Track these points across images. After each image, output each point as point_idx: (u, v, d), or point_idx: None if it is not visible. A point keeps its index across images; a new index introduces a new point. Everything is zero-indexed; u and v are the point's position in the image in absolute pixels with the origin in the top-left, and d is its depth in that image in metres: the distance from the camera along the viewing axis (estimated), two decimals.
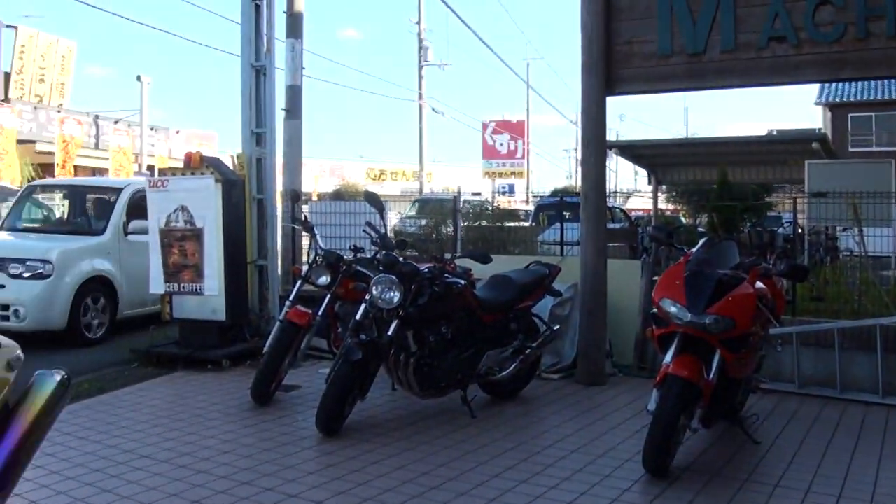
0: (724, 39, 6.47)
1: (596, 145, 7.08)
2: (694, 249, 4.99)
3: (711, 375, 4.43)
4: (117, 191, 9.78)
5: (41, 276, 8.40)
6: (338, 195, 23.83)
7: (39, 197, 11.45)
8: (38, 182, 11.19)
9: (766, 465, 4.70)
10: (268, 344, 6.14)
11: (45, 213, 11.33)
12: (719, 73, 6.60)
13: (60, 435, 5.00)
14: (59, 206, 11.59)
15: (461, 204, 10.22)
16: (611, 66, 6.90)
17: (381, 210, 6.14)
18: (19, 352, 2.44)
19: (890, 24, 5.96)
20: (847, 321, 6.66)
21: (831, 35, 6.14)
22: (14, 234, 9.78)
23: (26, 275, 8.41)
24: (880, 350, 6.16)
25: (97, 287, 8.87)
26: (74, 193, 10.80)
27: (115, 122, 26.99)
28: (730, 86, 6.89)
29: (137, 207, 9.01)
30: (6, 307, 8.31)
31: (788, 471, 4.57)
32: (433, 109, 34.78)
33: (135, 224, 9.13)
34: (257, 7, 8.04)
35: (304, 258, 8.70)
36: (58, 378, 2.42)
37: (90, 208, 10.32)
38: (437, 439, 5.12)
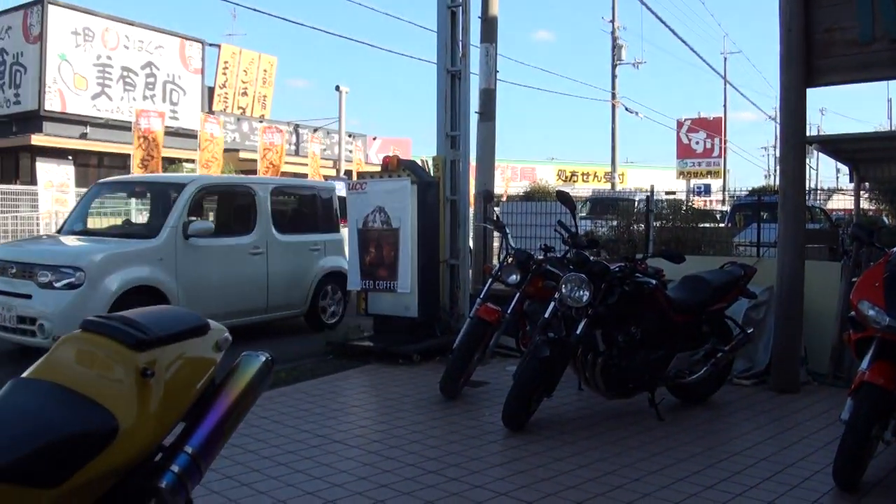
0: None
1: (795, 141, 6.80)
2: (895, 249, 4.71)
3: None
4: (180, 187, 8.48)
5: (72, 286, 7.23)
6: (528, 196, 23.99)
7: (106, 197, 11.09)
8: (105, 180, 10.48)
9: None
10: (458, 340, 6.33)
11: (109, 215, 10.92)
12: None
13: (257, 418, 5.38)
14: (126, 207, 11.44)
15: (652, 204, 10.04)
16: (810, 57, 6.60)
17: (573, 209, 6.18)
18: (227, 334, 2.69)
19: None
20: None
21: None
22: (64, 237, 8.74)
23: (57, 284, 7.24)
24: None
25: (144, 299, 7.29)
26: (139, 192, 10.74)
27: (314, 131, 28.47)
28: None
29: (201, 207, 8.86)
30: (32, 320, 7.21)
31: None
32: (626, 109, 34.29)
33: (196, 226, 8.22)
34: (453, 13, 8.30)
35: (496, 258, 8.87)
36: (262, 359, 2.66)
37: (151, 208, 9.59)
38: (623, 440, 5.12)
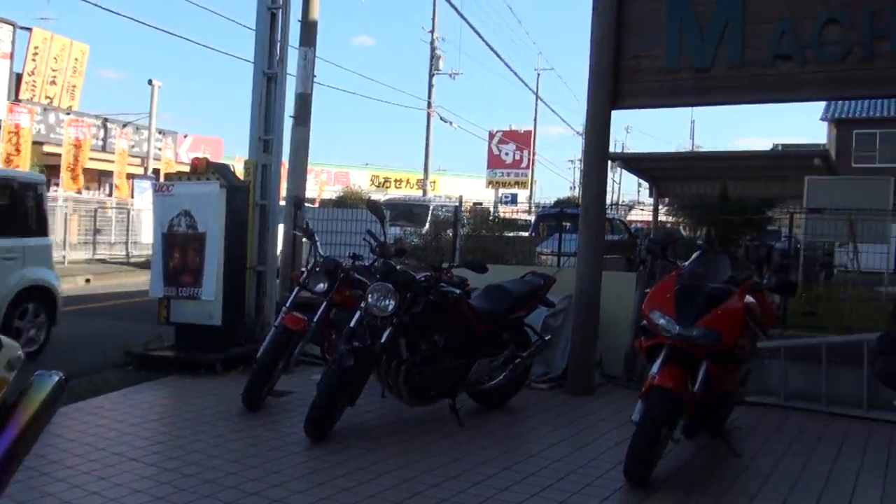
0: (731, 56, 6.54)
1: (598, 158, 7.14)
2: (687, 263, 5.04)
3: (696, 388, 4.47)
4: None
5: None
6: (341, 201, 23.92)
7: None
8: None
9: (746, 478, 4.75)
10: (261, 349, 6.18)
11: None
12: (725, 89, 6.68)
13: (52, 437, 5.03)
14: None
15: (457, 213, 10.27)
16: (619, 80, 6.96)
17: (382, 219, 6.20)
18: (20, 352, 2.49)
19: (894, 43, 6.00)
20: (835, 337, 6.71)
21: (837, 54, 6.20)
22: None
23: None
24: (867, 366, 6.19)
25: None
26: None
27: (124, 126, 27.13)
28: (735, 102, 6.96)
29: None
30: None
31: (767, 483, 4.61)
32: (441, 118, 34.86)
33: None
34: (273, 15, 8.13)
35: (305, 265, 8.74)
36: (55, 379, 2.47)
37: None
38: (424, 447, 5.15)
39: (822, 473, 4.82)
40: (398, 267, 5.74)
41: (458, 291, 5.74)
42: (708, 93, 6.80)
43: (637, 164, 14.59)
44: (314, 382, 5.74)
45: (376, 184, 39.98)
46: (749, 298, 4.87)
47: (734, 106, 6.80)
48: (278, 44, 8.16)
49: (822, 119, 32.19)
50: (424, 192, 32.92)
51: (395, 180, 42.25)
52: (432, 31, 35.15)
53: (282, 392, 6.34)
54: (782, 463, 5.01)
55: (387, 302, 5.30)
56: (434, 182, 37.34)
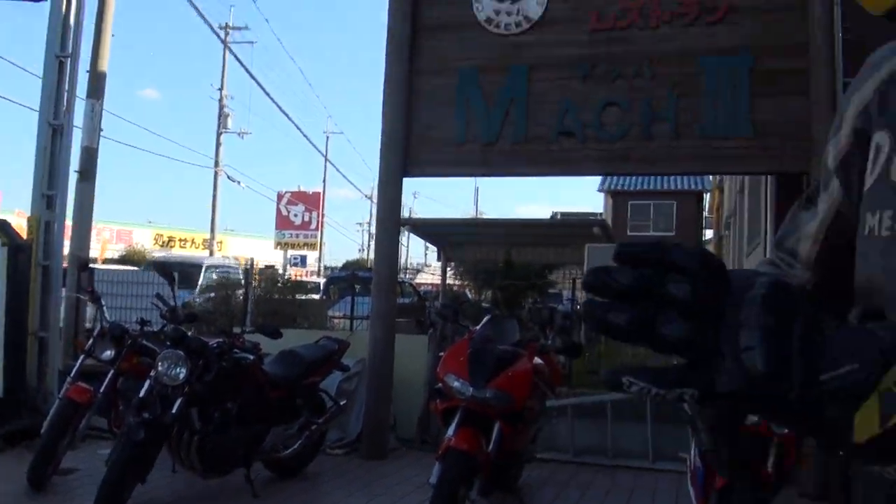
0: (516, 132, 6.91)
1: (390, 223, 7.29)
2: (478, 326, 5.22)
3: (490, 448, 4.60)
4: None
5: None
6: (123, 260, 22.85)
7: None
8: None
9: None
10: (46, 423, 5.73)
11: None
12: (510, 162, 7.03)
13: None
14: None
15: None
16: (409, 149, 7.16)
17: (172, 281, 5.98)
18: None
19: (671, 126, 6.59)
20: (619, 394, 7.14)
21: (617, 134, 6.70)
22: None
23: None
24: (650, 419, 6.66)
25: None
26: None
27: None
28: (519, 174, 7.31)
29: None
30: None
31: None
32: (229, 177, 34.23)
33: None
34: (61, 63, 7.71)
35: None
36: None
37: None
38: None
39: None
40: (189, 333, 5.55)
41: (251, 357, 5.63)
42: (494, 165, 7.14)
43: (426, 229, 15.02)
44: (101, 458, 5.40)
45: (160, 243, 38.38)
46: (537, 360, 5.12)
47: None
48: (65, 94, 7.76)
49: (600, 190, 34.51)
50: (211, 252, 32.07)
51: (181, 239, 40.76)
52: (221, 89, 34.65)
53: (68, 469, 5.88)
54: None
55: (178, 370, 5.09)
56: (221, 242, 36.45)
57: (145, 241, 36.21)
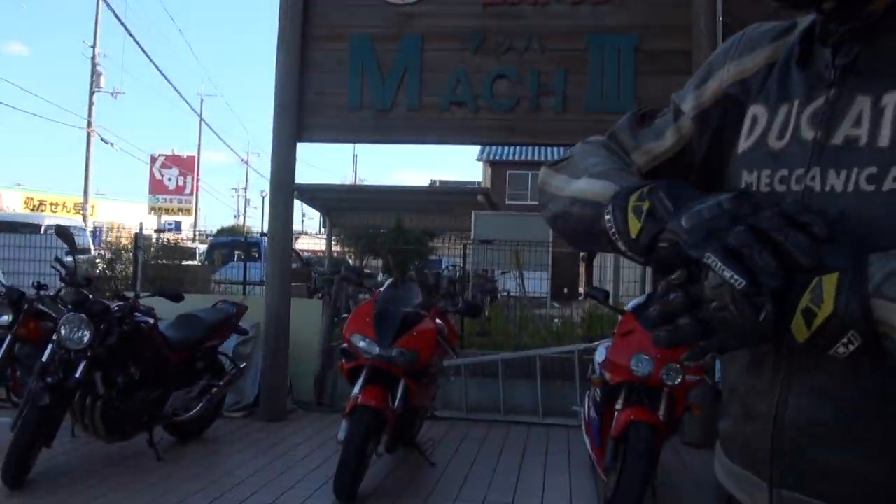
0: (410, 100, 7.07)
1: (284, 188, 7.34)
2: (381, 290, 5.43)
3: (396, 404, 4.84)
4: None
5: None
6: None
7: None
8: None
9: (445, 483, 5.22)
10: None
11: None
12: (404, 129, 7.20)
13: None
14: None
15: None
16: (302, 115, 7.22)
17: (73, 245, 5.91)
18: None
19: (559, 100, 6.89)
20: (510, 353, 7.53)
21: (506, 105, 6.96)
22: None
23: None
24: (539, 377, 7.05)
25: None
26: None
27: None
28: (413, 141, 7.49)
29: None
30: None
31: (465, 486, 5.12)
32: (102, 139, 32.94)
33: None
34: None
35: None
36: None
37: None
38: (126, 484, 5.01)
39: (512, 473, 5.45)
40: (90, 296, 5.53)
41: (151, 321, 5.66)
42: (388, 132, 7.29)
43: (312, 194, 15.03)
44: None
45: (31, 206, 36.62)
46: (438, 321, 5.37)
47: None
48: None
49: (479, 159, 34.99)
50: (84, 217, 30.92)
51: (52, 203, 38.98)
52: (94, 46, 33.13)
53: None
54: (475, 467, 5.57)
55: (81, 334, 5.08)
56: (93, 206, 35.12)
57: (15, 205, 34.52)
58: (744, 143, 1.17)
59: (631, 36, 6.79)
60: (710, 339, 0.94)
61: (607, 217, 1.06)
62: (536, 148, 31.24)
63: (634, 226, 1.01)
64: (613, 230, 1.05)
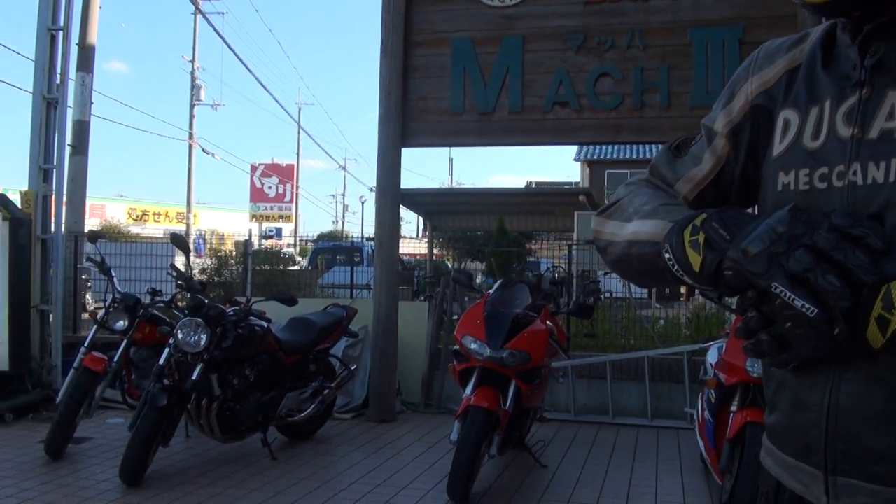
0: (512, 101, 7.09)
1: (391, 193, 7.44)
2: (491, 291, 5.46)
3: (508, 405, 4.85)
4: None
5: None
6: (94, 236, 22.70)
7: None
8: None
9: (557, 485, 5.19)
10: (62, 393, 5.87)
11: None
12: (507, 131, 7.21)
13: None
14: None
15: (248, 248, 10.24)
16: (406, 120, 7.31)
17: (188, 252, 6.12)
18: None
19: (663, 97, 6.82)
20: (617, 354, 7.46)
21: (610, 103, 6.91)
22: None
23: None
24: (648, 379, 6.96)
25: None
26: None
27: None
28: (516, 143, 7.49)
29: None
30: None
31: (577, 488, 5.09)
32: (203, 150, 34.04)
33: None
34: (53, 37, 7.76)
35: (88, 302, 8.37)
36: None
37: None
38: (243, 482, 5.16)
39: (624, 475, 5.40)
40: (206, 301, 5.71)
41: (265, 324, 5.81)
42: (491, 134, 7.31)
43: (413, 198, 15.19)
44: (112, 427, 5.59)
45: (133, 217, 38.10)
46: (548, 322, 5.37)
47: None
48: (58, 67, 7.81)
49: (576, 159, 34.69)
50: (188, 227, 31.98)
51: (154, 213, 40.49)
52: (193, 60, 34.29)
53: (81, 438, 6.06)
54: (586, 469, 5.53)
55: (197, 337, 5.26)
56: (196, 215, 36.29)
57: (119, 215, 35.96)
58: (778, 147, 1.21)
59: (735, 28, 6.65)
60: (789, 352, 1.00)
61: (667, 256, 1.12)
62: (635, 146, 30.85)
63: (695, 260, 1.07)
64: (676, 267, 1.11)
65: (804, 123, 1.18)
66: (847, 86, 1.14)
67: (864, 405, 1.05)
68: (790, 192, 1.17)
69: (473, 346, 4.92)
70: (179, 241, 6.18)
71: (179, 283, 5.98)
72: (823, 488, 1.11)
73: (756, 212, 1.21)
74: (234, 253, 11.99)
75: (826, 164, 1.12)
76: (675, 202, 1.31)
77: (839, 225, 0.94)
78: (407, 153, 7.62)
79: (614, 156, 32.44)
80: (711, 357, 4.94)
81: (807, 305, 0.92)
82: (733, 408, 4.28)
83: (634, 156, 31.51)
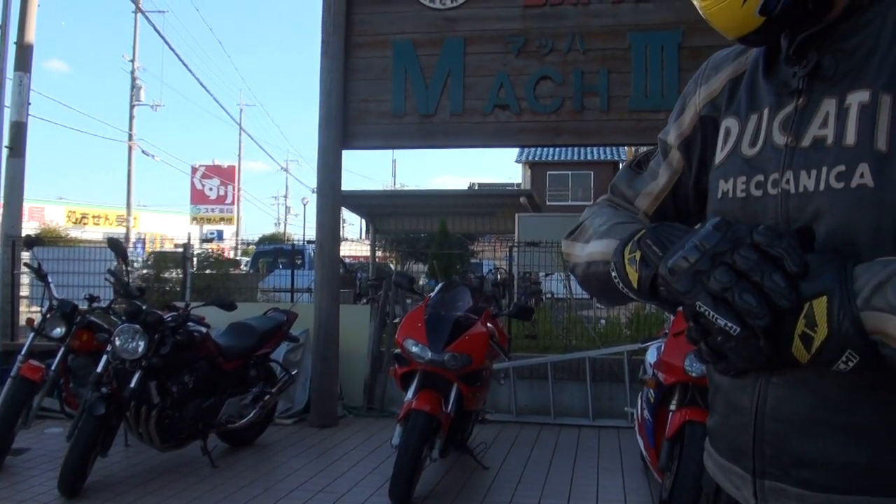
0: (454, 104, 7.10)
1: (331, 196, 7.39)
2: (432, 294, 5.45)
3: (450, 408, 4.85)
4: None
5: None
6: (30, 242, 22.14)
7: None
8: None
9: (499, 487, 5.20)
10: (0, 403, 5.71)
11: None
12: (448, 133, 7.20)
13: None
14: None
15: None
16: (347, 122, 7.27)
17: (125, 257, 5.99)
18: None
19: (603, 100, 6.88)
20: (558, 355, 7.51)
21: (550, 106, 6.96)
22: None
23: None
24: (589, 379, 7.02)
25: None
26: None
27: None
28: (457, 146, 7.49)
29: None
30: None
31: (518, 489, 5.11)
32: (143, 151, 33.39)
33: None
34: None
35: (25, 309, 8.15)
36: None
37: None
38: (183, 491, 5.08)
39: (565, 475, 5.44)
40: (143, 307, 5.60)
41: (204, 329, 5.72)
42: (432, 137, 7.30)
43: (356, 201, 15.13)
44: (50, 437, 5.45)
45: (73, 220, 37.19)
46: (488, 324, 5.37)
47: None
48: None
49: (518, 161, 34.93)
50: (127, 229, 31.39)
51: (94, 216, 39.58)
52: (133, 60, 33.65)
53: (19, 450, 5.89)
54: (528, 470, 5.56)
55: (136, 344, 5.17)
56: (136, 218, 35.60)
57: (58, 219, 35.11)
58: (720, 155, 1.23)
59: (674, 32, 6.75)
60: (725, 363, 1.01)
61: (613, 274, 1.15)
62: (576, 149, 31.13)
63: (633, 276, 1.10)
64: (620, 283, 1.14)
65: (743, 131, 1.20)
66: (785, 94, 1.15)
67: (790, 410, 1.07)
68: (728, 199, 1.18)
69: (415, 349, 4.91)
70: (116, 245, 6.06)
71: (117, 288, 5.86)
72: (752, 491, 1.12)
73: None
74: (174, 257, 11.80)
75: (762, 172, 1.14)
76: (631, 220, 1.32)
77: (759, 243, 0.94)
78: (350, 155, 7.58)
79: (555, 158, 32.81)
80: (651, 357, 5.00)
81: (729, 324, 0.92)
82: (672, 407, 4.34)
83: (575, 158, 31.90)
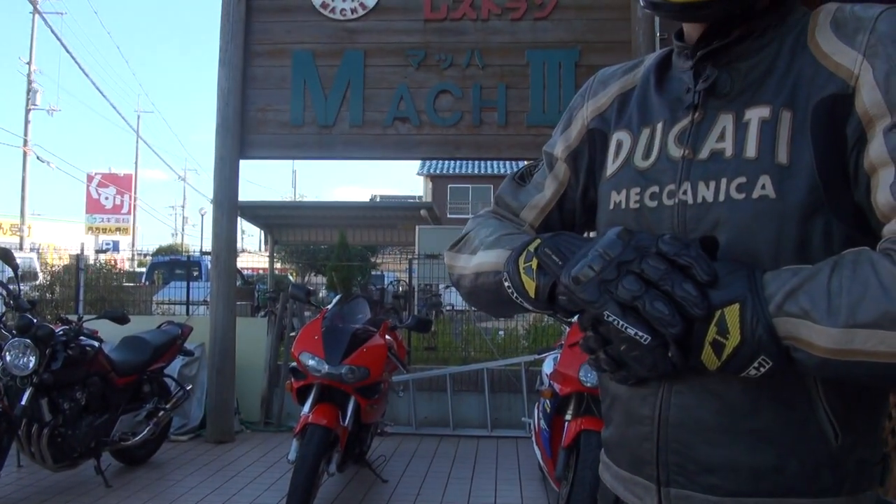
0: (353, 116, 7.10)
1: (227, 206, 7.27)
2: (329, 306, 5.42)
3: (347, 421, 4.82)
4: None
5: None
6: None
7: None
8: None
9: (398, 500, 5.21)
10: None
11: None
12: (347, 145, 7.19)
13: None
14: None
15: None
16: (245, 131, 7.19)
17: (16, 268, 5.75)
18: None
19: (501, 115, 6.99)
20: (457, 367, 7.57)
21: (450, 120, 7.04)
22: None
23: None
24: (487, 390, 7.09)
25: None
26: None
27: None
28: (357, 157, 7.47)
29: None
30: None
31: (417, 501, 5.12)
32: (38, 158, 32.08)
33: None
34: None
35: None
36: None
37: None
38: None
39: (463, 486, 5.48)
40: (35, 321, 5.39)
41: (97, 344, 5.55)
42: (332, 148, 7.27)
43: (254, 212, 14.90)
44: None
45: None
46: (387, 336, 5.38)
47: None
48: None
49: (419, 174, 35.08)
50: (21, 239, 30.13)
51: None
52: (30, 62, 32.33)
53: None
54: (427, 482, 5.58)
55: (26, 359, 4.98)
56: (30, 227, 34.21)
57: None
58: (611, 167, 1.25)
59: (571, 51, 6.91)
60: (625, 371, 1.01)
61: (506, 284, 1.13)
62: (477, 162, 31.48)
63: (530, 286, 1.09)
64: (514, 293, 1.12)
65: (636, 144, 1.22)
66: (680, 108, 1.17)
67: (695, 417, 1.08)
68: (621, 210, 1.20)
69: (311, 362, 4.87)
70: (6, 255, 5.81)
71: (7, 301, 5.63)
72: (657, 500, 1.13)
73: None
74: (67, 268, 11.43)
75: (657, 183, 1.15)
76: (518, 231, 1.32)
77: (666, 252, 0.95)
78: (250, 165, 7.47)
79: (456, 171, 33.11)
80: (547, 367, 5.09)
81: (639, 333, 0.93)
82: (568, 416, 4.41)
83: (476, 171, 32.26)
